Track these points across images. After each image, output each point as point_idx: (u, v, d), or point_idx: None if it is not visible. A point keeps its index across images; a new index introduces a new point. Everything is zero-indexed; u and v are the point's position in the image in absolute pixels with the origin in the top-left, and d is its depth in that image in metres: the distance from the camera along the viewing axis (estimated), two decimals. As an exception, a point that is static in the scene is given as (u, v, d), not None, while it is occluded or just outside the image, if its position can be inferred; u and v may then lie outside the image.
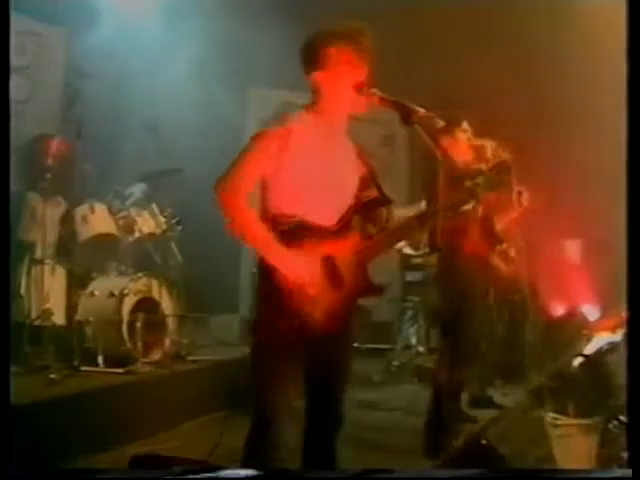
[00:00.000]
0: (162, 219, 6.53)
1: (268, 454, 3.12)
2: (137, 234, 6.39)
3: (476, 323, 5.14)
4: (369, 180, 3.37)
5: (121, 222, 6.38)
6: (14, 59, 7.16)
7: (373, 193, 3.32)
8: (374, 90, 3.15)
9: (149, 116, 7.47)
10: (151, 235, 6.49)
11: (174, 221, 6.56)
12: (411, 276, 7.39)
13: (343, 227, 3.16)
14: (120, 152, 7.54)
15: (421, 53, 8.42)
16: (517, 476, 3.46)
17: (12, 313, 5.81)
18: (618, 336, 4.82)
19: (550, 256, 6.95)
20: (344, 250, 3.13)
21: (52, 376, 5.17)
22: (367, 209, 3.30)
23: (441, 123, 3.09)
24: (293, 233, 3.05)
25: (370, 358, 7.43)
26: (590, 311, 6.98)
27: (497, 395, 6.24)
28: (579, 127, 7.20)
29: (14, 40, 7.07)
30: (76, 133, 6.05)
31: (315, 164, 3.11)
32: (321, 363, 3.26)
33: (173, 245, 6.64)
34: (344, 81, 3.16)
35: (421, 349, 7.33)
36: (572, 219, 6.68)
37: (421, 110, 3.06)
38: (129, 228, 6.37)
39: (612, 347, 4.65)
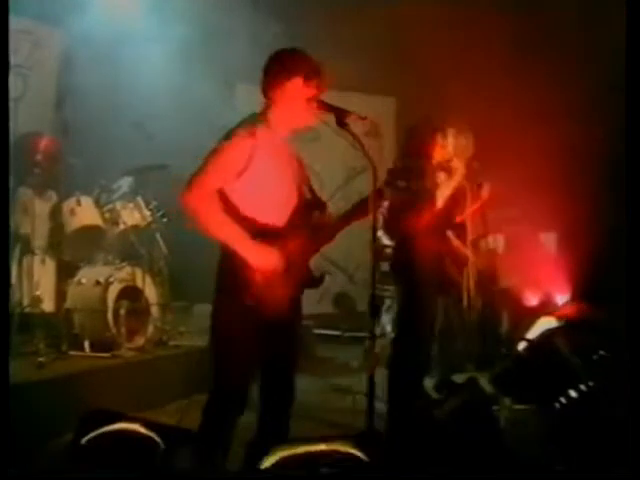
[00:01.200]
0: (147, 212, 7.17)
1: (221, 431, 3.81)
2: (122, 226, 7.04)
3: (429, 311, 5.64)
4: (307, 185, 4.06)
5: (107, 215, 7.03)
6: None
7: (308, 196, 4.02)
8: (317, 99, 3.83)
9: (136, 112, 8.08)
10: (135, 227, 7.12)
11: (159, 214, 7.21)
12: (387, 266, 8.00)
13: (290, 227, 3.80)
14: (108, 147, 7.99)
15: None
16: (517, 476, 4.20)
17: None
18: (558, 322, 5.47)
19: (525, 248, 7.54)
20: (291, 247, 3.78)
21: (41, 359, 5.84)
22: (308, 209, 3.99)
23: (369, 125, 3.73)
24: (252, 231, 3.69)
25: (351, 346, 8.12)
26: (562, 300, 7.59)
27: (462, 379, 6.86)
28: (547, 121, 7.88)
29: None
30: (63, 129, 6.77)
31: (269, 173, 3.74)
32: (273, 347, 3.92)
33: (158, 236, 7.28)
34: (296, 98, 3.81)
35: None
36: (544, 213, 7.28)
37: (354, 113, 3.71)
38: (114, 220, 7.02)
39: (558, 331, 5.28)
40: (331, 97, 9.84)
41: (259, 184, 3.71)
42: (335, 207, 4.26)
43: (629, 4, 4.29)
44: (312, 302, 8.93)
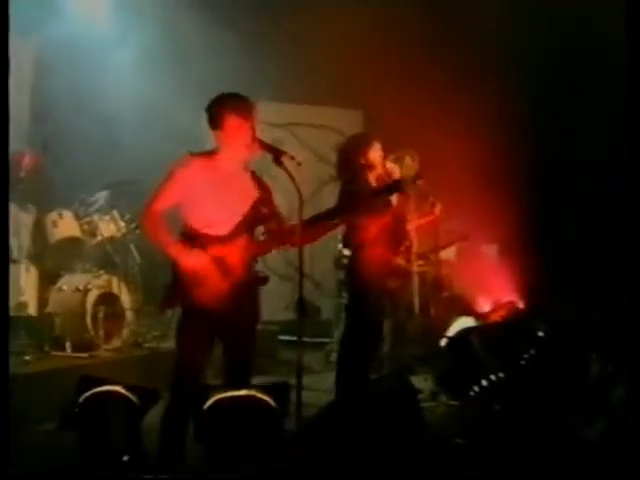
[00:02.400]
0: (122, 223, 8.24)
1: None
2: (99, 237, 8.11)
3: (374, 316, 6.57)
4: (264, 201, 5.15)
5: (85, 227, 8.09)
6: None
7: (267, 210, 5.15)
8: (256, 137, 4.97)
9: (109, 127, 9.22)
10: (111, 238, 8.20)
11: (133, 225, 8.23)
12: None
13: (232, 235, 4.89)
14: (84, 162, 8.82)
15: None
16: (517, 476, 4.83)
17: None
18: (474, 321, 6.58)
19: (471, 258, 8.58)
20: (233, 251, 4.87)
21: (26, 357, 6.93)
22: (258, 222, 5.12)
23: (299, 163, 4.85)
24: (196, 240, 4.83)
25: (313, 351, 9.06)
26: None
27: (418, 380, 7.90)
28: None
29: None
30: (43, 147, 7.85)
31: (210, 194, 4.83)
32: (226, 343, 5.02)
33: (132, 246, 8.37)
34: (240, 138, 4.90)
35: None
36: (486, 225, 8.33)
37: (288, 153, 4.84)
38: (92, 232, 8.09)
39: (473, 329, 6.40)
40: (299, 111, 10.77)
41: (201, 203, 4.83)
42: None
43: (629, 5, 4.58)
44: (278, 309, 9.95)
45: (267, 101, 9.97)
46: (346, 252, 8.60)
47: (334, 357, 8.64)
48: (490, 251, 8.40)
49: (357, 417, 4.99)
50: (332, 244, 8.65)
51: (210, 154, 5.00)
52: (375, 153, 6.72)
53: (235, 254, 4.89)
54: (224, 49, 9.33)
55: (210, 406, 3.65)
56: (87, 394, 3.90)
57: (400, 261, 7.35)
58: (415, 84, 9.28)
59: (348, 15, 9.40)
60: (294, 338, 4.82)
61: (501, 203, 8.24)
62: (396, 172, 6.72)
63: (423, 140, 8.28)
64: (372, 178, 6.72)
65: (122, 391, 3.96)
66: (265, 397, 3.69)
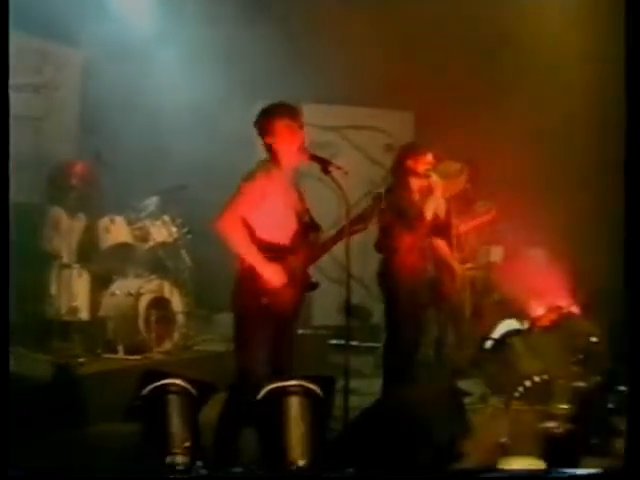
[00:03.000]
0: (173, 228, 8.63)
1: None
2: (151, 242, 8.51)
3: (409, 323, 6.85)
4: (305, 213, 5.52)
5: (137, 232, 8.49)
6: (31, 77, 9.17)
7: (306, 220, 5.50)
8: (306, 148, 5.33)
9: (158, 132, 9.55)
10: (163, 243, 8.59)
11: (184, 230, 8.67)
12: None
13: (291, 246, 5.30)
14: (135, 169, 9.12)
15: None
16: (516, 476, 5.07)
17: (43, 311, 8.14)
18: (521, 324, 6.90)
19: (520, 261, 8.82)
20: (292, 261, 5.27)
21: (80, 360, 7.33)
22: (309, 231, 5.49)
23: (346, 170, 5.24)
24: (267, 248, 5.22)
25: (365, 355, 9.28)
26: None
27: (469, 383, 8.22)
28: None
29: (30, 59, 9.14)
30: (96, 157, 8.20)
31: (277, 205, 5.23)
32: (281, 336, 5.40)
33: (183, 251, 8.75)
34: (292, 147, 5.29)
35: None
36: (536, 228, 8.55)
37: (334, 163, 5.21)
38: (144, 237, 8.49)
39: (515, 332, 6.73)
40: (349, 113, 11.07)
41: (270, 214, 5.21)
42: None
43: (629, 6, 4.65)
44: (329, 313, 10.26)
45: (317, 103, 10.42)
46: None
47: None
48: (539, 254, 8.62)
49: (398, 420, 5.44)
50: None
51: (267, 166, 5.35)
52: (422, 163, 6.99)
53: (298, 262, 5.32)
54: (270, 47, 9.50)
55: (263, 395, 4.08)
56: (150, 387, 4.34)
57: (445, 261, 7.72)
58: (467, 86, 9.67)
59: (398, 15, 9.68)
60: (344, 342, 5.23)
61: (551, 205, 8.48)
62: (438, 187, 6.95)
63: (473, 141, 8.67)
64: (415, 187, 7.05)
65: (182, 384, 4.39)
66: (313, 386, 4.10)
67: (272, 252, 5.24)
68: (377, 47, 9.75)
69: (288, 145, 5.31)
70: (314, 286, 5.51)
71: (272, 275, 5.18)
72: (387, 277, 6.96)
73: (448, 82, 9.75)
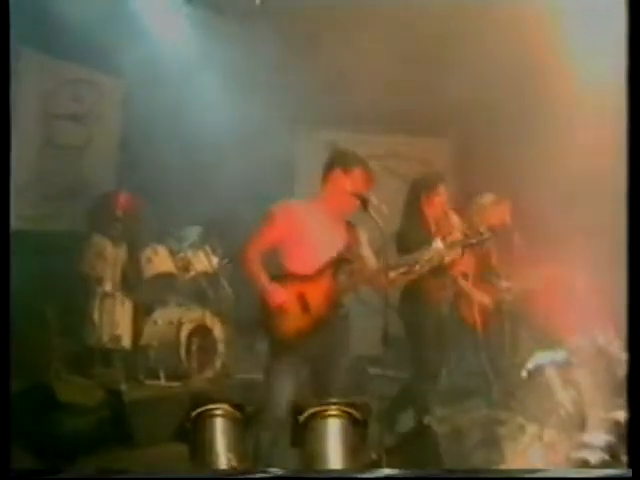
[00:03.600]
0: (215, 258, 9.05)
1: None
2: (192, 272, 8.92)
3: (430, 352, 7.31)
4: (350, 247, 5.97)
5: (179, 262, 8.91)
6: (71, 106, 9.65)
7: (352, 255, 5.97)
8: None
9: (201, 161, 9.85)
10: (204, 273, 9.00)
11: (225, 260, 9.07)
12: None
13: (316, 275, 5.75)
14: (177, 198, 9.58)
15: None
16: (517, 476, 5.42)
17: (85, 338, 8.56)
18: (559, 354, 7.21)
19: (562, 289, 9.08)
20: (315, 290, 5.73)
21: (123, 387, 7.71)
22: (342, 265, 5.93)
23: (385, 211, 5.68)
24: (285, 276, 5.77)
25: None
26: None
27: (507, 413, 8.57)
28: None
29: (69, 89, 9.59)
30: (140, 190, 8.66)
31: (307, 236, 5.74)
32: (310, 361, 5.88)
33: (224, 281, 9.13)
34: (343, 189, 5.77)
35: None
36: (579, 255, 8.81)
37: (372, 201, 5.65)
38: (185, 267, 8.91)
39: (551, 363, 7.07)
40: (389, 141, 11.35)
41: (296, 245, 5.76)
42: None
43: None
44: (371, 343, 10.61)
45: (356, 132, 10.67)
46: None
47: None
48: (582, 281, 8.83)
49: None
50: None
51: (310, 202, 5.94)
52: (437, 197, 7.42)
53: (317, 291, 5.75)
54: (311, 73, 9.86)
55: (304, 419, 4.52)
56: (198, 410, 4.79)
57: (486, 298, 8.13)
58: (503, 113, 9.77)
59: (434, 44, 9.85)
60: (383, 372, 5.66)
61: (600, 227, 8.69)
62: (455, 222, 7.37)
63: (510, 170, 9.00)
64: (431, 221, 7.42)
65: (228, 407, 4.84)
66: (351, 410, 4.55)
67: (287, 279, 5.78)
68: (415, 75, 10.03)
69: (339, 193, 5.85)
70: (344, 317, 5.96)
71: (273, 297, 5.71)
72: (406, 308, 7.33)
73: (487, 110, 9.85)
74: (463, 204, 8.94)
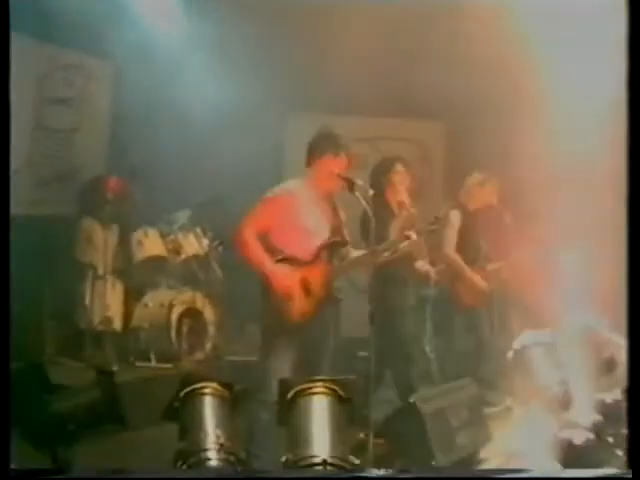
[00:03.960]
0: (205, 241, 9.14)
1: None
2: (183, 255, 9.03)
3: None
4: (337, 229, 6.14)
5: (170, 245, 9.01)
6: (61, 91, 9.60)
7: (338, 237, 6.12)
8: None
9: (190, 146, 9.94)
10: (195, 256, 9.11)
11: (215, 243, 9.15)
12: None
13: (314, 259, 5.90)
14: (167, 182, 9.61)
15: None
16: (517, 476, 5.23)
17: (76, 321, 8.71)
18: (544, 334, 7.37)
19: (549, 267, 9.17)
20: (314, 273, 5.87)
21: (114, 368, 7.90)
22: (335, 247, 6.09)
23: (371, 191, 5.83)
24: (285, 260, 5.86)
25: None
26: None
27: (497, 394, 8.68)
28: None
29: (61, 72, 9.55)
30: (130, 171, 8.78)
31: (300, 219, 5.86)
32: (304, 342, 6.01)
33: (214, 263, 9.23)
34: (330, 172, 5.91)
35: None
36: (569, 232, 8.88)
37: (359, 181, 5.81)
38: (176, 250, 9.02)
39: (537, 343, 7.23)
40: (382, 124, 11.44)
41: (289, 229, 5.88)
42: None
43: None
44: (360, 325, 10.66)
45: (349, 115, 10.77)
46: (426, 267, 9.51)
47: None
48: (571, 260, 8.91)
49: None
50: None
51: (302, 184, 6.05)
52: (396, 176, 7.47)
53: (316, 275, 5.90)
54: (302, 58, 10.02)
55: (292, 396, 4.68)
56: (187, 389, 4.95)
57: (476, 278, 8.29)
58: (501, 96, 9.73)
59: (430, 27, 9.80)
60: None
61: (587, 209, 8.78)
62: (408, 204, 7.35)
63: (506, 151, 9.09)
64: (393, 203, 7.48)
65: (217, 387, 5.00)
66: (336, 387, 4.71)
67: (289, 263, 5.91)
68: (408, 58, 10.07)
69: (325, 173, 6.00)
70: (337, 300, 6.14)
71: (280, 279, 5.82)
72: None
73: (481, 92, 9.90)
74: (454, 185, 9.17)
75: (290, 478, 4.65)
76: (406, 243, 6.25)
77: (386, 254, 6.27)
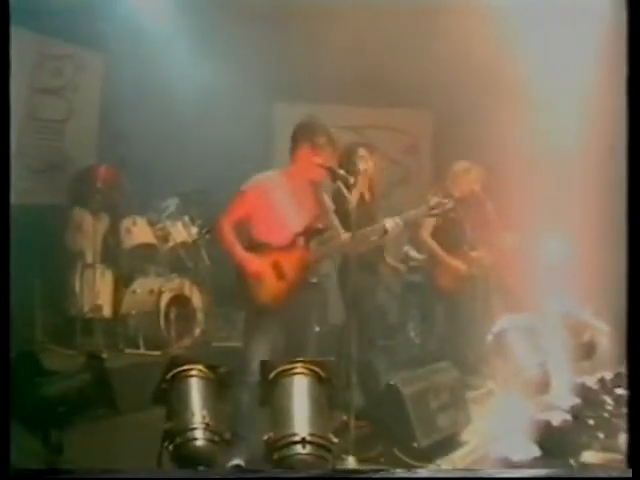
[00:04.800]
0: (193, 229, 9.36)
1: None
2: (171, 242, 9.25)
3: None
4: (321, 216, 6.36)
5: (158, 232, 9.24)
6: (51, 81, 9.85)
7: (323, 224, 6.34)
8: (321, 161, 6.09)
9: (178, 135, 10.19)
10: (183, 243, 9.34)
11: (203, 231, 9.36)
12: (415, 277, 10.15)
13: (289, 245, 6.13)
14: (156, 171, 9.92)
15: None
16: (518, 476, 5.42)
17: (67, 309, 8.97)
18: (523, 318, 7.61)
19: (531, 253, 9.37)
20: (289, 258, 6.10)
21: (104, 355, 8.05)
22: (314, 234, 6.31)
23: (352, 180, 6.08)
24: (259, 246, 6.13)
25: (381, 353, 10.08)
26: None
27: (479, 378, 8.91)
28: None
29: (51, 63, 9.79)
30: (119, 160, 9.00)
31: (277, 208, 6.08)
32: (286, 327, 6.28)
33: (202, 251, 9.46)
34: (311, 161, 6.10)
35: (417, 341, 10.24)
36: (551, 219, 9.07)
37: (342, 173, 6.04)
38: (165, 238, 9.25)
39: (516, 327, 7.47)
40: (368, 113, 11.64)
41: (267, 217, 6.11)
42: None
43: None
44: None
45: (336, 104, 10.99)
46: (414, 254, 9.78)
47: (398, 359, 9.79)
48: (553, 246, 9.10)
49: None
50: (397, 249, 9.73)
51: (279, 174, 6.27)
52: (361, 161, 7.46)
53: (291, 260, 6.13)
54: (289, 47, 10.26)
55: (273, 377, 4.93)
56: (174, 371, 5.20)
57: (459, 264, 8.54)
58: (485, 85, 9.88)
59: (415, 16, 9.88)
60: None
61: (572, 197, 8.96)
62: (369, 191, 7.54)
63: (491, 140, 9.30)
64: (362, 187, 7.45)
65: (203, 369, 5.25)
66: (317, 369, 4.95)
67: (261, 249, 6.14)
68: (394, 47, 10.23)
69: (306, 161, 6.18)
70: (313, 284, 6.38)
71: (251, 264, 6.09)
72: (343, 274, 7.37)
73: (468, 81, 10.14)
74: (441, 173, 9.38)
75: (291, 478, 4.75)
76: (390, 230, 6.40)
77: (373, 238, 6.48)
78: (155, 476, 5.03)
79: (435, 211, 6.53)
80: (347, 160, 7.33)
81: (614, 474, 5.40)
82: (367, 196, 7.48)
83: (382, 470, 5.72)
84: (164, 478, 5.07)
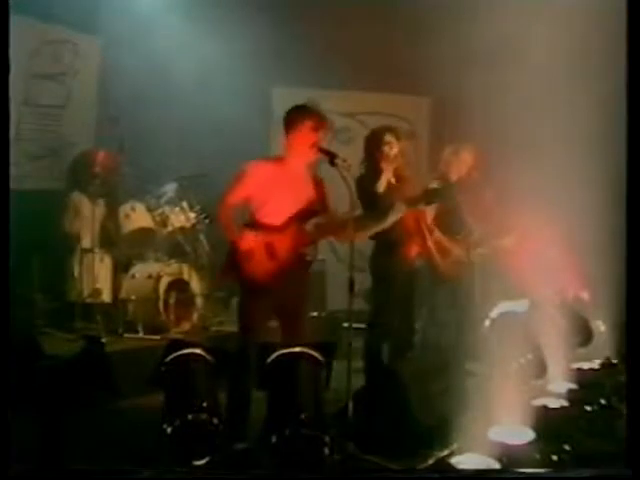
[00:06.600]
0: (192, 214, 9.38)
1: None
2: (170, 228, 9.29)
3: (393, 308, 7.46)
4: (318, 199, 6.41)
5: (157, 218, 9.27)
6: (49, 66, 9.87)
7: (319, 207, 6.39)
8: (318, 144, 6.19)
9: (177, 118, 10.24)
10: (182, 228, 9.38)
11: (202, 216, 9.38)
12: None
13: (284, 225, 6.19)
14: (155, 156, 9.93)
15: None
16: (519, 476, 5.54)
17: (66, 293, 9.02)
18: (521, 304, 7.67)
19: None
20: (283, 239, 6.15)
21: (103, 340, 8.14)
22: (309, 216, 6.36)
23: (349, 164, 6.11)
24: (255, 227, 6.18)
25: None
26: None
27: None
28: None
29: (49, 48, 9.82)
30: (119, 148, 8.91)
31: (274, 193, 6.14)
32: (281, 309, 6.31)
33: (201, 236, 9.52)
34: (306, 143, 6.19)
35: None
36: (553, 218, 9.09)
37: (340, 156, 6.08)
38: (164, 223, 9.27)
39: (513, 313, 7.54)
40: (367, 99, 11.66)
41: (265, 199, 6.19)
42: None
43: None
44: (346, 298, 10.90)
45: (334, 90, 11.06)
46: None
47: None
48: (555, 244, 9.13)
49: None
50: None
51: (277, 158, 6.37)
52: (385, 146, 7.42)
53: (284, 241, 6.18)
54: (288, 34, 10.30)
55: (272, 360, 5.00)
56: (173, 355, 5.27)
57: (458, 250, 8.56)
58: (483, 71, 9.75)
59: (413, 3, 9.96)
60: (356, 325, 6.03)
61: (572, 185, 8.98)
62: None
63: (488, 127, 9.34)
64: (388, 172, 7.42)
65: (201, 352, 5.32)
66: (315, 353, 5.01)
67: (258, 229, 6.20)
68: (393, 33, 10.37)
69: (304, 144, 6.24)
70: (309, 263, 6.39)
71: (244, 243, 6.13)
72: (375, 262, 7.52)
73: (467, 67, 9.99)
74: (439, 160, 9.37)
75: (302, 479, 4.82)
76: (399, 214, 6.59)
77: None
78: (155, 476, 5.00)
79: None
80: (374, 145, 7.41)
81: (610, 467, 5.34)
82: (393, 181, 7.41)
83: (382, 470, 5.70)
84: (164, 478, 5.04)
